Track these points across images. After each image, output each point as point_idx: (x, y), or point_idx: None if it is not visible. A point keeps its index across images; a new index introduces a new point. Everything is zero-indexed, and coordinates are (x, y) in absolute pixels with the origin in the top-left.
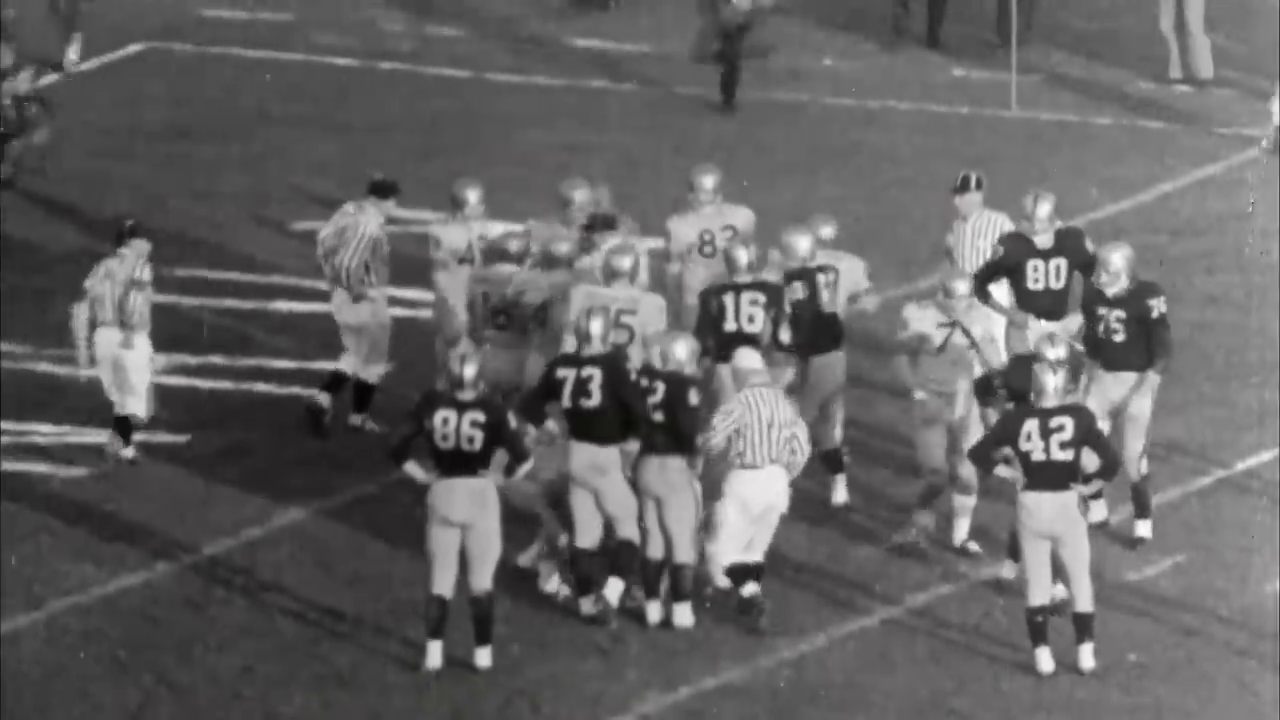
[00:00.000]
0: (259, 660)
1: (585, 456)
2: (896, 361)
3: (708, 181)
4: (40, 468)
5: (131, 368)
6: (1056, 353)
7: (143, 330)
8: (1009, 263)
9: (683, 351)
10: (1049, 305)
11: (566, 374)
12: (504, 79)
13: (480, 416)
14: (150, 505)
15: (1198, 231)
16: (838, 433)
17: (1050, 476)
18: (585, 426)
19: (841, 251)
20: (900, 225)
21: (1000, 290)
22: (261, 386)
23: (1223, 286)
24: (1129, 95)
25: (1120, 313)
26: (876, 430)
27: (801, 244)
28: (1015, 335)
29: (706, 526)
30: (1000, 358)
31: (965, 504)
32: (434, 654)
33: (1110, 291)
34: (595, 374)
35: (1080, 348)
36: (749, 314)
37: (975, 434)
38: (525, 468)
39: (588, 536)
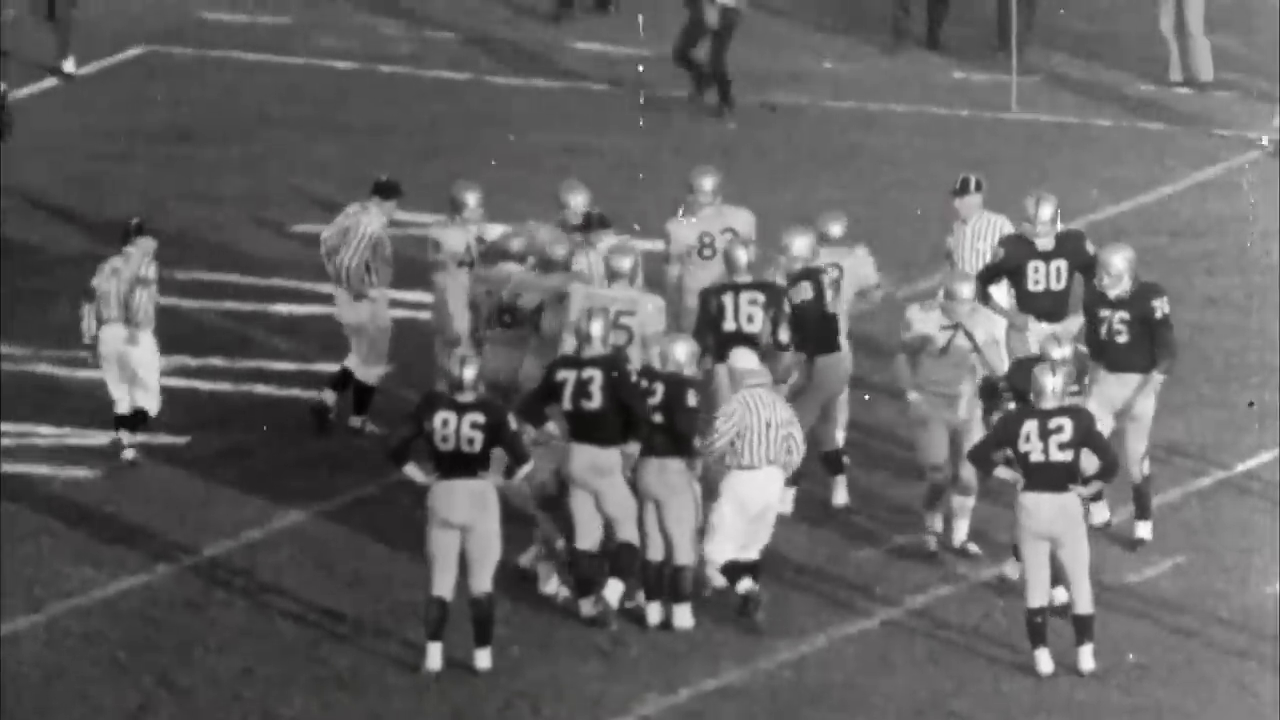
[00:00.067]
0: (259, 662)
1: (585, 458)
2: (897, 361)
3: (707, 183)
4: (41, 469)
5: (139, 363)
6: (1062, 352)
7: (148, 327)
8: (1010, 265)
9: (682, 353)
10: (1049, 307)
11: (567, 376)
12: (503, 81)
13: (480, 418)
14: (150, 507)
15: (1198, 233)
16: (840, 434)
17: (1049, 477)
18: (586, 428)
19: (847, 247)
20: (900, 227)
21: (1000, 292)
22: (261, 388)
23: (1223, 288)
24: (1129, 97)
25: (1124, 314)
26: (876, 431)
27: (804, 244)
28: (1015, 337)
29: (704, 528)
30: (1003, 362)
31: (965, 505)
32: (434, 656)
33: (1112, 293)
34: (596, 376)
35: (1084, 349)
36: (748, 314)
37: (977, 436)
38: (525, 469)
39: (588, 538)
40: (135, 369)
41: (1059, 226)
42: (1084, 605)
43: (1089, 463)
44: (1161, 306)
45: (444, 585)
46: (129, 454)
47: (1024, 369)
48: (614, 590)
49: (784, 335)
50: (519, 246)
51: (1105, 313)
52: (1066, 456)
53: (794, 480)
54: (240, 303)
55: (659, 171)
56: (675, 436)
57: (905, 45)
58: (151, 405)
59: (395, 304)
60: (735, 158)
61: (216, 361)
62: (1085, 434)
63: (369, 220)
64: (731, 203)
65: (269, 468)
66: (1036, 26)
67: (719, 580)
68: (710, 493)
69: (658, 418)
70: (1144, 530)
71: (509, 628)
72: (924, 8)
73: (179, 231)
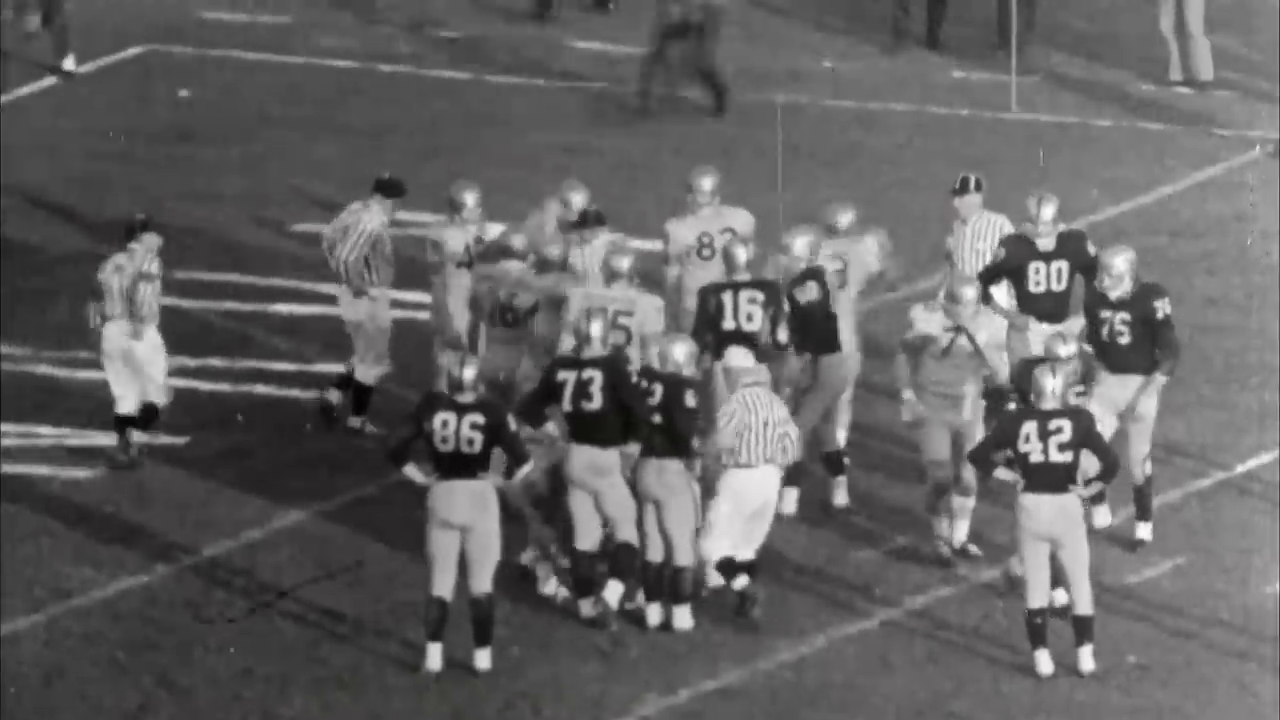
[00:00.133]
0: (259, 662)
1: (585, 459)
2: (897, 360)
3: (706, 183)
4: (40, 470)
5: (144, 358)
6: (1068, 349)
7: (152, 322)
8: (1011, 265)
9: (681, 353)
10: (1050, 308)
11: (567, 376)
12: (503, 81)
13: (480, 419)
14: (150, 507)
15: (1198, 233)
16: (841, 434)
17: (1049, 478)
18: (586, 429)
19: (855, 239)
20: (900, 227)
21: (1000, 292)
22: (261, 388)
23: (1223, 288)
24: (1129, 97)
25: (1125, 315)
26: (876, 431)
27: (805, 244)
28: (1016, 338)
29: (701, 526)
30: (1005, 365)
31: (965, 506)
32: (434, 656)
33: (1113, 295)
34: (596, 376)
35: (1089, 349)
36: (747, 312)
37: (979, 438)
38: (525, 470)
39: (587, 539)
40: (141, 364)
41: (1060, 227)
42: (1084, 606)
43: (1089, 464)
44: (1163, 307)
45: (444, 585)
46: (129, 453)
47: (1029, 370)
48: (614, 591)
49: (783, 334)
50: (521, 244)
51: (1106, 314)
52: (1066, 457)
53: (796, 480)
54: (240, 302)
55: (658, 171)
56: (674, 437)
57: (905, 45)
58: (160, 399)
59: (395, 304)
60: (735, 158)
61: (216, 361)
62: (1085, 435)
63: (370, 218)
64: (731, 203)
65: (269, 468)
66: (1036, 26)
67: (716, 580)
68: (709, 493)
69: (657, 418)
70: (1144, 531)
71: (509, 628)
72: (924, 7)
73: (179, 231)
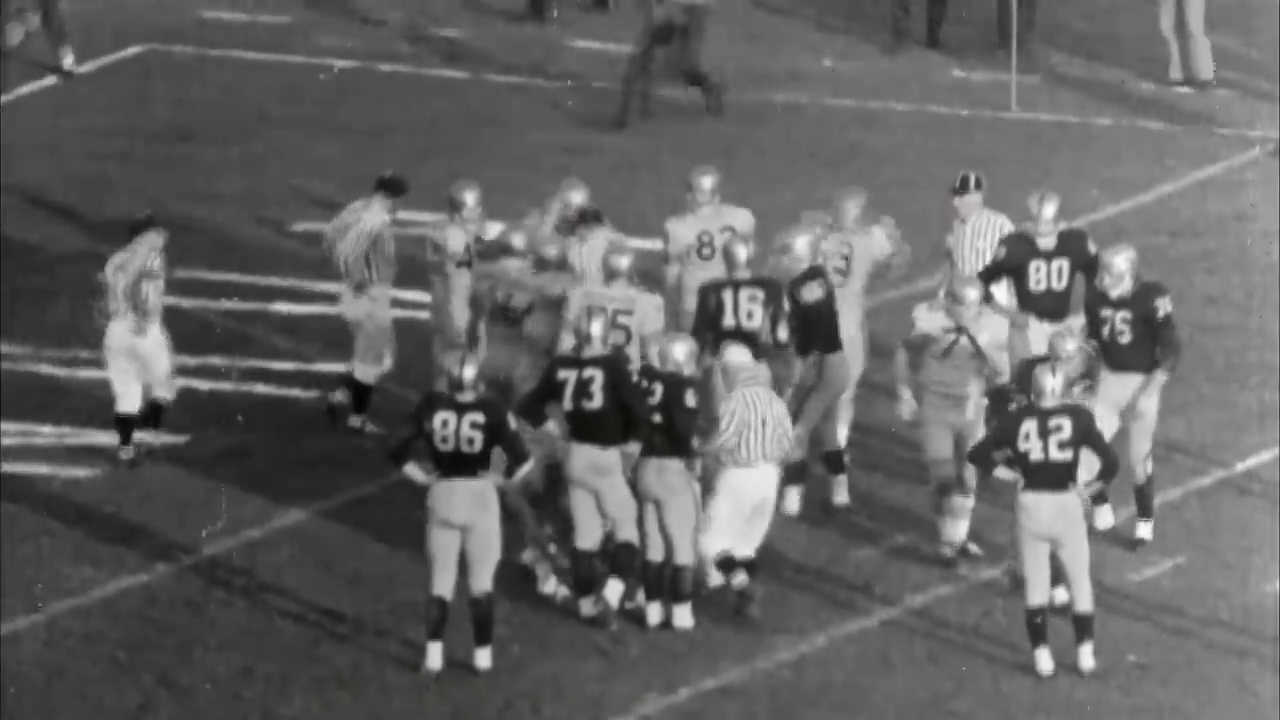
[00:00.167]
0: (259, 661)
1: (586, 458)
2: (896, 358)
3: (706, 183)
4: (41, 469)
5: (149, 354)
6: (1071, 346)
7: (155, 318)
8: (1011, 264)
9: (681, 353)
10: (1051, 306)
11: (568, 376)
12: (503, 80)
13: (480, 418)
14: (150, 507)
15: (1198, 232)
16: (843, 432)
17: (1049, 477)
18: (587, 428)
19: (862, 228)
20: (900, 226)
21: (1000, 291)
22: (261, 388)
23: (1223, 287)
24: (1129, 96)
25: (1126, 314)
26: (876, 431)
27: (805, 244)
28: (1016, 336)
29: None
30: (1006, 366)
31: (965, 505)
32: (434, 655)
33: (1114, 293)
34: (597, 376)
35: (1092, 348)
36: (747, 310)
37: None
38: (525, 469)
39: (588, 538)
40: (146, 360)
41: (1061, 226)
42: (1084, 605)
43: (1089, 461)
44: (1164, 306)
45: (444, 585)
46: (129, 453)
47: (1032, 369)
48: (614, 590)
49: (782, 332)
50: (520, 242)
51: (1107, 313)
52: (1066, 456)
53: (799, 479)
54: (240, 302)
55: (659, 171)
56: (675, 437)
57: (905, 44)
58: (167, 395)
59: (395, 303)
60: (735, 157)
61: (216, 361)
62: (1084, 433)
63: (371, 216)
64: (731, 202)
65: (269, 467)
66: (1036, 25)
67: (717, 579)
68: (709, 491)
69: (657, 418)
70: (1145, 530)
71: (509, 627)
72: (924, 6)
73: (179, 230)
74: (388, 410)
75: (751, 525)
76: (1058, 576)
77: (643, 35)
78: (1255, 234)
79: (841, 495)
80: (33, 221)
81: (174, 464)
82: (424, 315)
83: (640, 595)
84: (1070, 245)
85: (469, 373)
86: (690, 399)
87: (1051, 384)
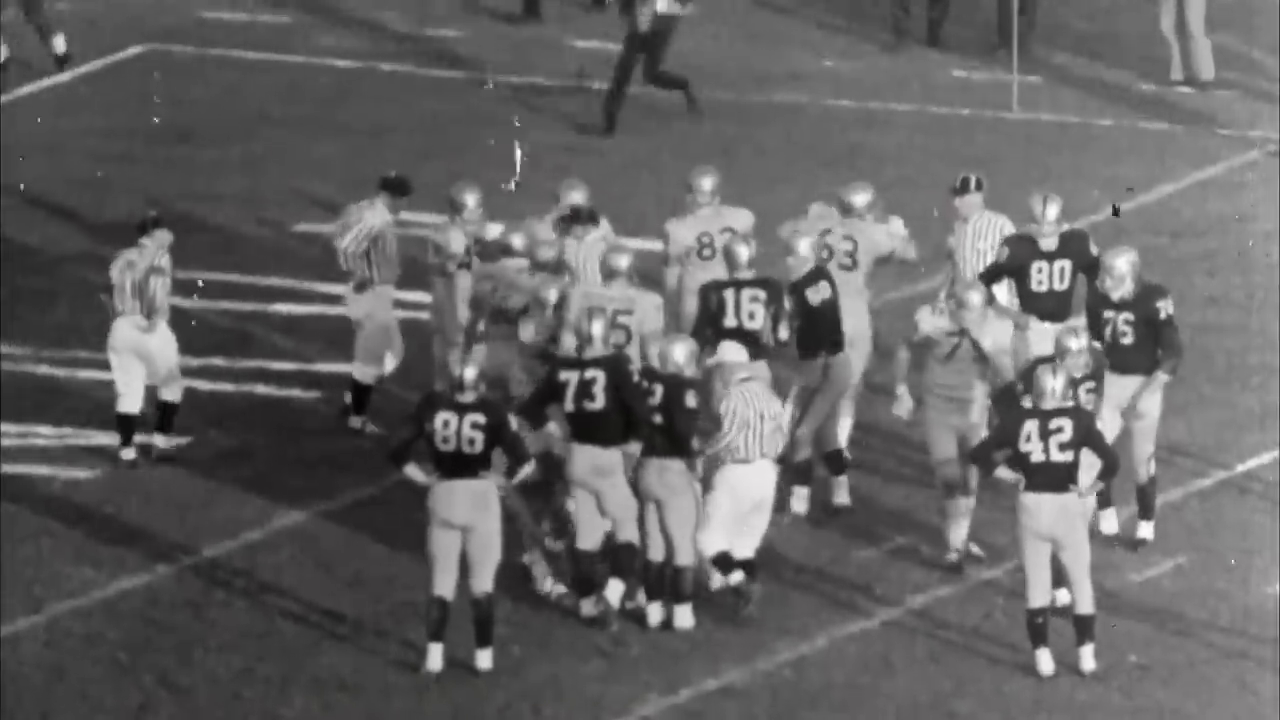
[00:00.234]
0: (259, 662)
1: (587, 459)
2: (897, 358)
3: (706, 183)
4: (41, 470)
5: (157, 352)
6: (1078, 343)
7: (162, 317)
8: (1013, 264)
9: (681, 353)
10: (1053, 307)
11: (569, 377)
12: (504, 80)
13: (481, 419)
14: (150, 507)
15: (1198, 233)
16: (844, 432)
17: (1050, 478)
18: (588, 429)
19: (869, 220)
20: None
21: (1001, 291)
22: (262, 388)
23: (1224, 288)
24: (1130, 96)
25: (1128, 315)
26: (877, 431)
27: (808, 245)
28: (1017, 338)
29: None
30: (1010, 370)
31: (966, 506)
32: (434, 656)
33: (1115, 295)
34: (598, 376)
35: (1098, 346)
36: (749, 311)
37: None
38: (526, 470)
39: (589, 538)
40: (152, 358)
41: (1063, 226)
42: (1085, 605)
43: (1091, 462)
44: (1166, 307)
45: (445, 586)
46: (130, 453)
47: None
48: (615, 590)
49: (784, 332)
50: (520, 243)
51: (1109, 314)
52: (1067, 457)
53: (807, 479)
54: (240, 302)
55: (659, 171)
56: (675, 437)
57: (906, 44)
58: (176, 393)
59: (396, 304)
60: (735, 158)
61: (217, 361)
62: (1085, 434)
63: (374, 215)
64: (731, 203)
65: (269, 468)
66: (1037, 26)
67: (719, 580)
68: (709, 490)
69: (658, 419)
70: (1146, 530)
71: (510, 628)
72: (925, 7)
73: (179, 231)
74: (388, 411)
75: (750, 523)
76: (1059, 578)
77: (625, 49)
78: (1256, 235)
79: (842, 496)
80: (32, 222)
81: (174, 465)
82: (424, 317)
83: (641, 596)
84: (1072, 246)
85: (470, 373)
86: (691, 400)
87: (1052, 385)
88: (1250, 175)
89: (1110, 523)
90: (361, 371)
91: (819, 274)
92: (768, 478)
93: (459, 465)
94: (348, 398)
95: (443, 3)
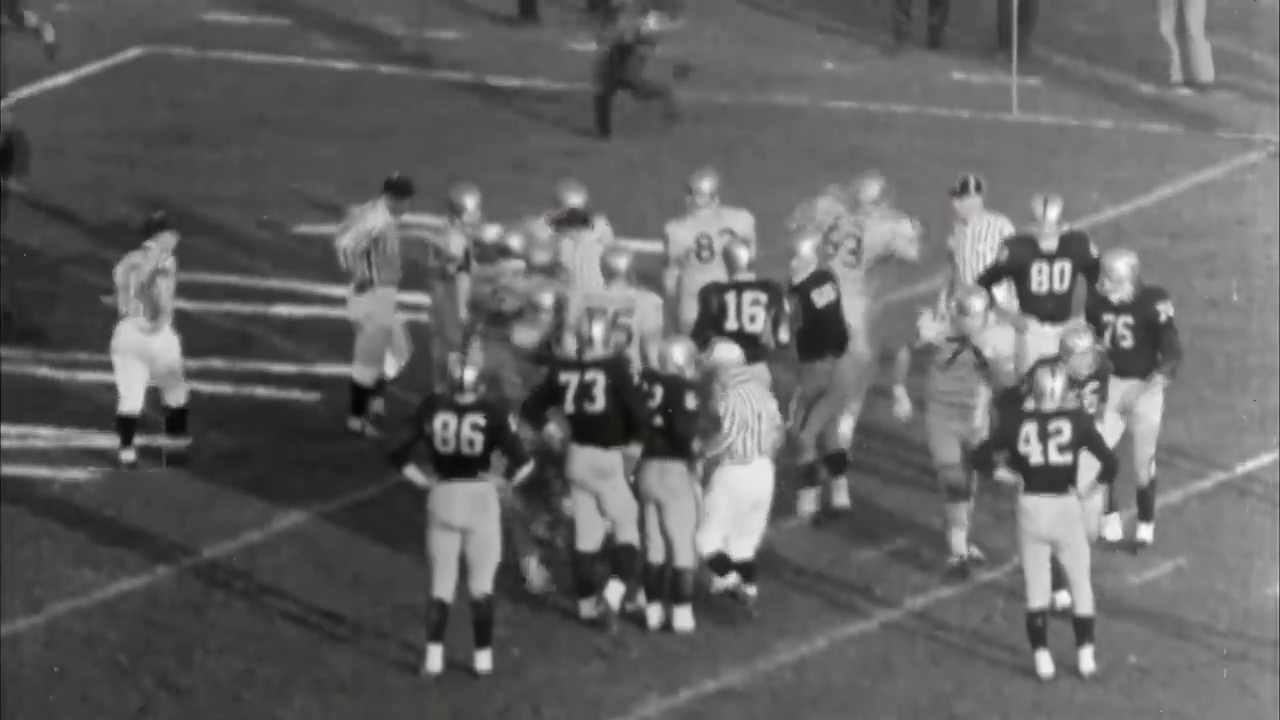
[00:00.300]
0: (259, 664)
1: (587, 460)
2: (899, 359)
3: (705, 185)
4: (41, 471)
5: (160, 353)
6: (1084, 342)
7: (167, 318)
8: (1013, 265)
9: (680, 355)
10: (1052, 309)
11: (569, 378)
12: (504, 82)
13: (480, 420)
14: (150, 509)
15: (1198, 235)
16: (847, 430)
17: (1049, 480)
18: (588, 430)
19: (878, 214)
20: None
21: (1000, 292)
22: (262, 390)
23: (1223, 290)
24: (1130, 99)
25: (1128, 319)
26: (877, 432)
27: (810, 247)
28: (1019, 344)
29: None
30: (1010, 377)
31: (966, 509)
32: (434, 658)
33: (1114, 298)
34: (599, 378)
35: (1104, 349)
36: (750, 313)
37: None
38: (525, 471)
39: (589, 540)
40: (155, 359)
41: (1063, 228)
42: (1084, 607)
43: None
44: (1166, 310)
45: (444, 587)
46: (130, 455)
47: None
48: (614, 592)
49: (784, 334)
50: (519, 244)
51: (1109, 318)
52: (1066, 459)
53: (813, 480)
54: (240, 304)
55: (659, 173)
56: (675, 439)
57: (906, 46)
58: (180, 396)
59: (397, 306)
60: (735, 159)
61: (217, 363)
62: (1084, 436)
63: (375, 215)
64: (732, 204)
65: (269, 470)
66: (1037, 28)
67: (720, 582)
68: (707, 490)
69: (658, 420)
70: (1145, 532)
71: (509, 629)
72: (925, 9)
73: (178, 233)
74: (389, 413)
75: (749, 522)
76: (1059, 580)
77: (609, 51)
78: (1256, 237)
79: (842, 498)
80: (32, 224)
81: (174, 467)
82: (424, 318)
83: (641, 597)
84: (1072, 248)
85: (469, 375)
86: (690, 402)
87: (1051, 386)
88: (1250, 177)
89: (1114, 528)
90: (361, 373)
91: (824, 276)
92: (766, 477)
93: (458, 467)
94: (374, 404)
95: (442, 5)
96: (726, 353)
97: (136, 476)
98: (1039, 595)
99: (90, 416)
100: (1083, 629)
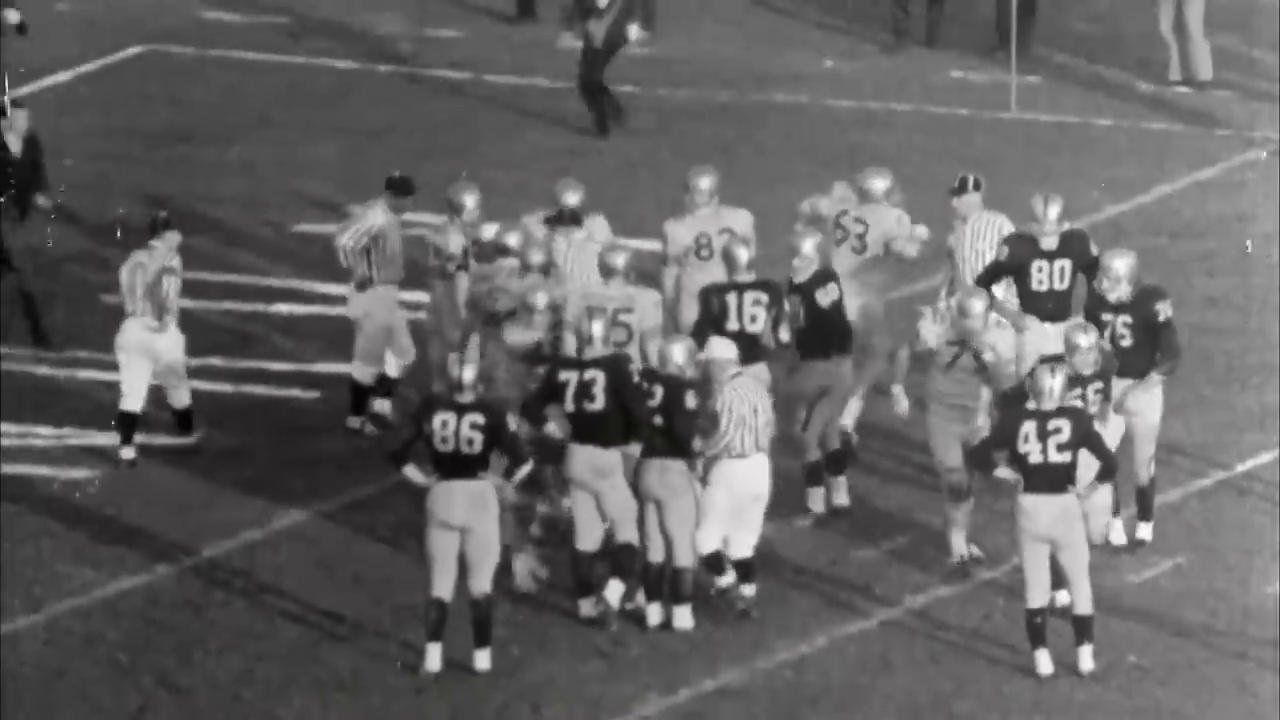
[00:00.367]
0: (259, 663)
1: (586, 459)
2: (898, 358)
3: (704, 184)
4: (41, 470)
5: (166, 352)
6: (1088, 339)
7: (173, 316)
8: (1014, 264)
9: (680, 354)
10: (1052, 307)
11: (569, 377)
12: (503, 81)
13: (479, 419)
14: (150, 508)
15: (1198, 233)
16: (851, 418)
17: (1048, 479)
18: (588, 429)
19: (884, 206)
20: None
21: (1000, 290)
22: (261, 389)
23: (1223, 289)
24: (1129, 97)
25: (1127, 318)
26: (877, 431)
27: (813, 246)
28: (1020, 345)
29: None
30: (1009, 380)
31: (967, 510)
32: (433, 657)
33: (1111, 297)
34: (598, 377)
35: (1109, 348)
36: (751, 314)
37: None
38: (524, 470)
39: (588, 539)
40: (163, 357)
41: (1064, 226)
42: (1084, 606)
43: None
44: (1164, 310)
45: (443, 586)
46: (129, 452)
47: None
48: (614, 591)
49: (784, 334)
50: (516, 242)
51: (1108, 317)
52: (1065, 458)
53: (819, 480)
54: (239, 303)
55: (658, 172)
56: (675, 438)
57: (905, 44)
58: (184, 397)
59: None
60: (735, 158)
61: (216, 362)
62: (1084, 435)
63: (375, 214)
64: (731, 203)
65: (268, 468)
66: (1036, 26)
67: (720, 582)
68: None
69: (658, 420)
70: (1144, 531)
71: (508, 628)
72: (924, 7)
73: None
74: (391, 412)
75: (748, 516)
76: (1058, 579)
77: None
78: (1255, 235)
79: (841, 496)
80: (33, 223)
81: (174, 465)
82: (424, 317)
83: (640, 596)
84: (1072, 246)
85: (469, 374)
86: (690, 401)
87: (1050, 384)
88: (1249, 176)
89: (1118, 533)
90: (360, 371)
91: (827, 275)
92: (763, 471)
93: (457, 466)
94: (382, 407)
95: (441, 4)
96: (721, 350)
97: (136, 475)
98: (1038, 594)
99: (90, 415)
100: (1082, 628)
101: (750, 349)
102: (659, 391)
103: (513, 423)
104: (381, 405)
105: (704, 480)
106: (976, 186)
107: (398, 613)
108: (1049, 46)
